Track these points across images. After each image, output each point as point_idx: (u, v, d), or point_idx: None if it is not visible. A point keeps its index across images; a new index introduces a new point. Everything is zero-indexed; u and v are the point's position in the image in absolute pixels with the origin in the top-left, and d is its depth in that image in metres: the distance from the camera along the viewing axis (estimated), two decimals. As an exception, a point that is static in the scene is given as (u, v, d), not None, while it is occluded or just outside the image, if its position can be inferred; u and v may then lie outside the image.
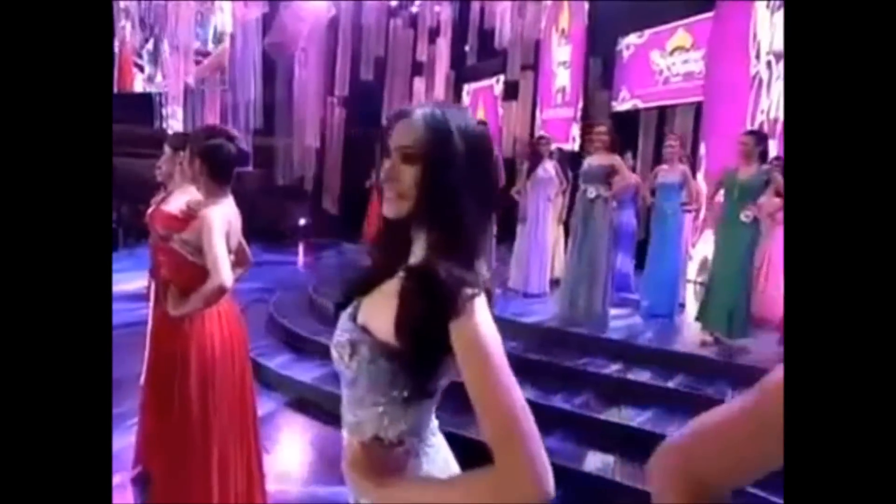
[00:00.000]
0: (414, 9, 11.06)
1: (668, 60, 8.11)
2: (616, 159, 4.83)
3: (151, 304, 2.97)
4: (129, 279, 7.49)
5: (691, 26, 7.80)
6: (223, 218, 2.23)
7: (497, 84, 11.22)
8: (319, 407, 3.99)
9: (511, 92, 10.59)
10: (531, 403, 0.91)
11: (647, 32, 8.42)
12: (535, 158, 5.79)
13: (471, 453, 0.99)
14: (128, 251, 9.56)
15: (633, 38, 8.66)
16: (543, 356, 4.31)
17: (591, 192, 4.70)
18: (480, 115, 12.03)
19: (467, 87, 12.26)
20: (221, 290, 2.12)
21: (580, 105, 9.46)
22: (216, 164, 2.23)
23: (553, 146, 6.13)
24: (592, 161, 4.85)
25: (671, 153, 5.18)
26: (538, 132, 9.00)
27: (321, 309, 5.41)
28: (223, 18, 9.58)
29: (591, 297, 4.55)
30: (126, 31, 8.40)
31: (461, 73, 11.65)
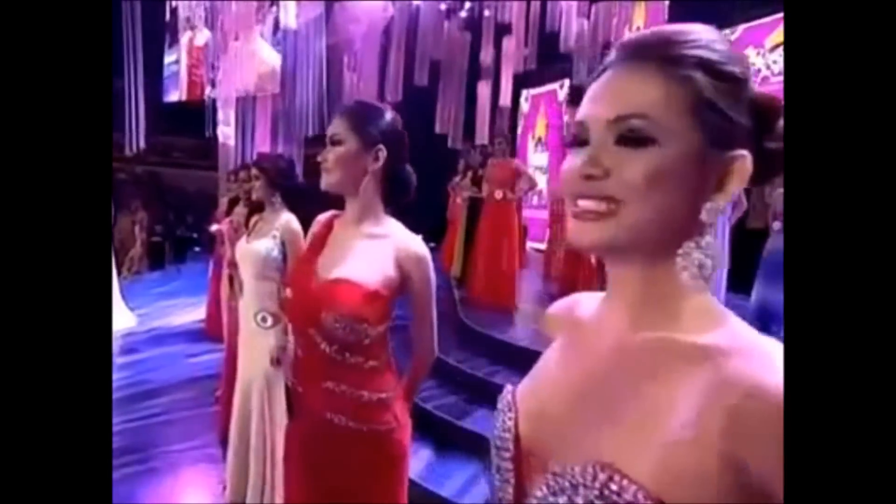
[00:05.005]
0: (463, 13, 10.43)
1: (767, 59, 7.36)
2: None
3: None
4: (183, 308, 6.40)
5: (795, 20, 7.06)
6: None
7: (561, 89, 10.53)
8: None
9: (577, 97, 9.89)
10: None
11: (740, 28, 7.68)
12: None
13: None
14: (175, 269, 8.92)
15: (722, 36, 7.93)
16: None
17: None
18: (541, 122, 11.34)
19: (525, 93, 11.59)
20: None
21: (658, 109, 8.75)
22: None
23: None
24: None
25: None
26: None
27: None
28: (285, 16, 8.89)
29: None
30: (201, 37, 7.77)
31: (519, 78, 10.95)
